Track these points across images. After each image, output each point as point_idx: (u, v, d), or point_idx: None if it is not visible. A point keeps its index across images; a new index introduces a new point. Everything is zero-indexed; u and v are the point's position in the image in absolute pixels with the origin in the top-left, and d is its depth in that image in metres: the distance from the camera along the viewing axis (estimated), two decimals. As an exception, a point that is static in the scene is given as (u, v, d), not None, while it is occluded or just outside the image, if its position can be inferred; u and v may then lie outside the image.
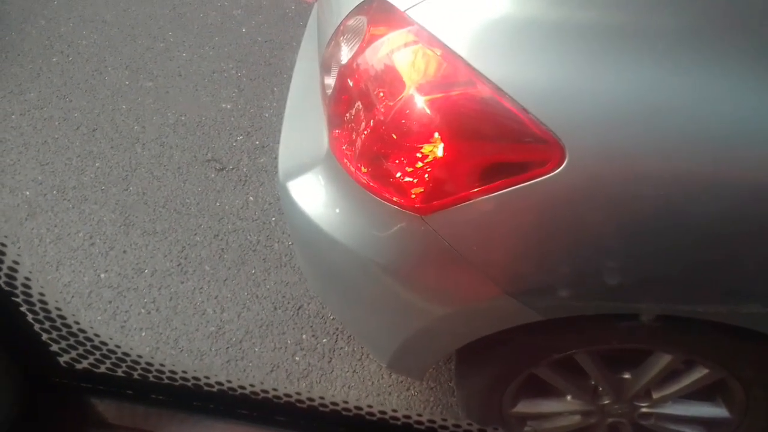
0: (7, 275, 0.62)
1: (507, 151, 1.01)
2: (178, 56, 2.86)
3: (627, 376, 1.38)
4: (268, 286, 2.10)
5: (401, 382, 1.89)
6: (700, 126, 0.95)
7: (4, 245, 0.61)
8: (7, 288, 0.63)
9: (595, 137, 0.97)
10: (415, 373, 1.58)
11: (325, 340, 1.98)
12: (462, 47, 0.99)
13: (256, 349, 1.97)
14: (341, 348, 1.96)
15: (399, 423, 0.67)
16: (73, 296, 2.08)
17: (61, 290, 2.09)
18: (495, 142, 1.02)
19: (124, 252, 2.20)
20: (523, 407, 1.48)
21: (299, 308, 2.05)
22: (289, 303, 2.06)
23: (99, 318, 2.03)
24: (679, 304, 1.14)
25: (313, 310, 2.04)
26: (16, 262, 0.62)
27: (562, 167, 0.96)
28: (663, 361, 1.31)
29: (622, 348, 1.33)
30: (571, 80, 0.97)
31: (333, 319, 2.01)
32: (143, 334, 2.00)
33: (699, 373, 1.33)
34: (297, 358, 1.95)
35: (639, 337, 1.27)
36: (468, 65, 0.98)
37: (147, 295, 2.09)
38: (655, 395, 1.42)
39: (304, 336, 1.99)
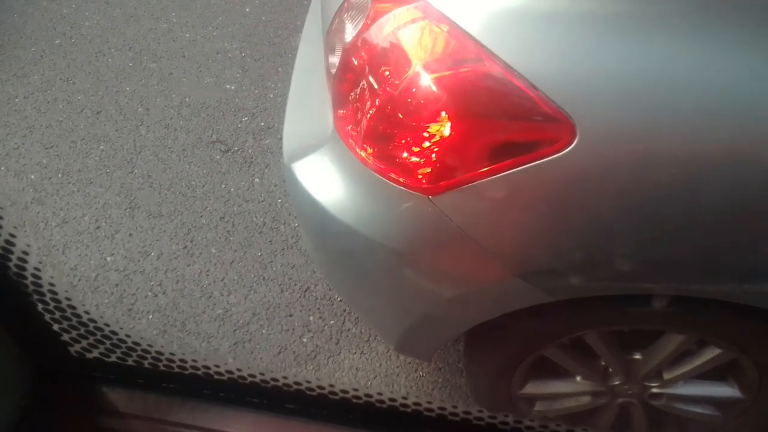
0: (17, 265, 0.62)
1: (516, 130, 0.99)
2: (182, 37, 2.83)
3: (638, 356, 1.37)
4: (274, 269, 2.10)
5: (409, 363, 1.89)
6: (712, 105, 0.92)
7: (13, 236, 0.60)
8: (17, 278, 0.62)
9: (606, 116, 0.95)
10: (422, 355, 1.57)
11: (332, 322, 1.97)
12: (470, 23, 0.97)
13: (264, 332, 1.96)
14: (348, 330, 1.96)
15: (409, 410, 0.66)
16: (79, 280, 2.08)
17: (67, 274, 2.09)
18: (504, 120, 1.00)
19: (130, 235, 2.19)
20: (532, 388, 1.48)
21: (306, 290, 2.04)
22: (296, 285, 2.06)
23: (106, 301, 2.03)
24: (691, 284, 1.12)
25: (320, 292, 2.04)
26: (25, 252, 0.61)
27: (572, 146, 0.94)
28: (675, 341, 1.30)
29: (633, 329, 1.32)
30: (581, 57, 0.94)
31: (340, 300, 2.01)
32: (150, 317, 2.00)
33: (711, 354, 1.32)
34: (304, 340, 1.95)
35: (650, 317, 1.26)
36: (476, 42, 0.96)
37: (153, 278, 2.08)
38: (667, 375, 1.41)
39: (311, 318, 1.99)
